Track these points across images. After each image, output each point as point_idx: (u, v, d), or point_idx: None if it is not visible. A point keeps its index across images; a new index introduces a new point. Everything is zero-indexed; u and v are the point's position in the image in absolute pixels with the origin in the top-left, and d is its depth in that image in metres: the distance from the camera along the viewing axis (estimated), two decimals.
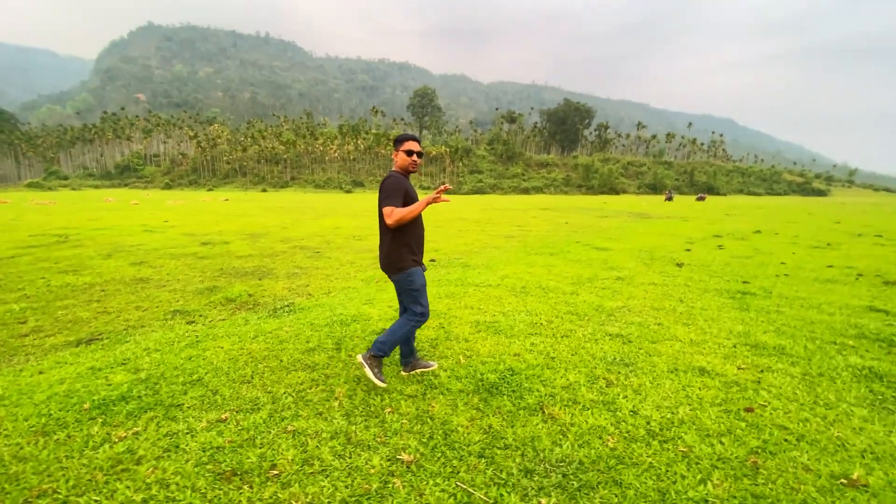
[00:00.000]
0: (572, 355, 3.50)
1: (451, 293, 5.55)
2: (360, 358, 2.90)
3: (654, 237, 12.20)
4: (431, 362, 3.29)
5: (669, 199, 48.03)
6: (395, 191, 2.71)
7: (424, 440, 2.37)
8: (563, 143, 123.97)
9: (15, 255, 8.57)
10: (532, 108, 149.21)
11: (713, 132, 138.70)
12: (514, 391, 2.88)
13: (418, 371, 3.18)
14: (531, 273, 6.80)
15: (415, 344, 3.28)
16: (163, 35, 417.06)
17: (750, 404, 2.71)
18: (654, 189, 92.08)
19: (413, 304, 2.90)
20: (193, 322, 4.67)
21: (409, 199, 2.76)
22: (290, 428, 2.49)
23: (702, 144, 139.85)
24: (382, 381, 2.87)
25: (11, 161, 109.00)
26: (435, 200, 2.73)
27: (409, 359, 3.19)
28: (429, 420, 2.55)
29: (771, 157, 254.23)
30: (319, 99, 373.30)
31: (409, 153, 2.82)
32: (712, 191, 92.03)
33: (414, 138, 2.87)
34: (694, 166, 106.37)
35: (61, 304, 5.36)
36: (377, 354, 2.86)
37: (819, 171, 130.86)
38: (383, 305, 4.94)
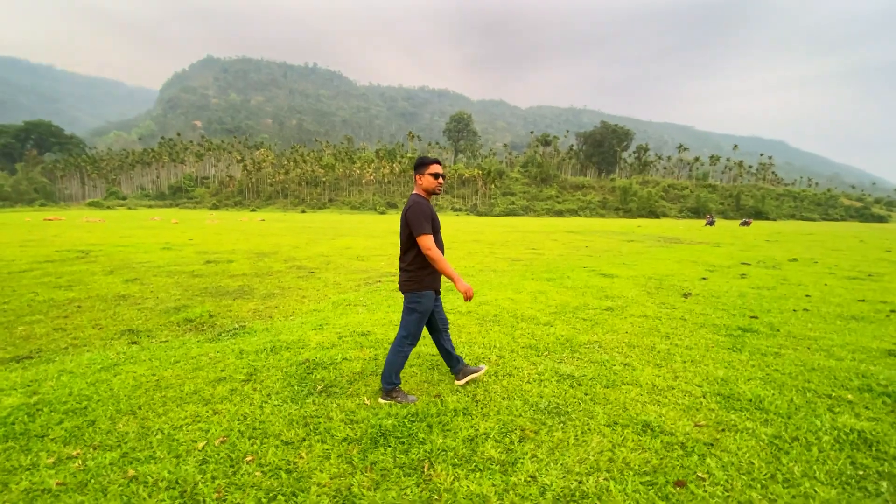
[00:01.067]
0: (503, 399, 3.04)
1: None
2: (381, 401, 2.96)
3: (672, 263, 11.35)
4: (481, 366, 3.37)
5: (710, 223, 45.74)
6: (426, 217, 2.80)
7: (266, 500, 2.00)
8: (599, 165, 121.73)
9: (28, 270, 8.93)
10: (567, 131, 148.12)
11: (762, 154, 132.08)
12: (403, 442, 2.46)
13: (469, 378, 3.26)
14: (514, 300, 6.32)
15: (454, 351, 3.28)
16: (220, 67, 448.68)
17: (686, 476, 2.17)
18: (697, 213, 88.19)
19: (411, 324, 2.95)
20: (136, 343, 4.53)
21: (434, 223, 2.87)
22: (130, 473, 2.19)
23: (750, 167, 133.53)
24: (413, 399, 2.96)
25: (77, 182, 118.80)
26: (467, 296, 2.86)
27: (458, 366, 3.25)
28: (284, 475, 2.18)
29: (827, 180, 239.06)
30: (361, 125, 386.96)
31: (436, 176, 2.92)
32: (761, 216, 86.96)
33: (437, 161, 2.96)
34: (741, 190, 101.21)
35: (29, 319, 5.39)
36: (388, 389, 2.96)
37: (879, 196, 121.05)
38: (331, 331, 4.63)
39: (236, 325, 5.08)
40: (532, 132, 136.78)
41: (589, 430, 2.63)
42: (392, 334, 4.56)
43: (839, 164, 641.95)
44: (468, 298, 2.85)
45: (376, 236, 20.78)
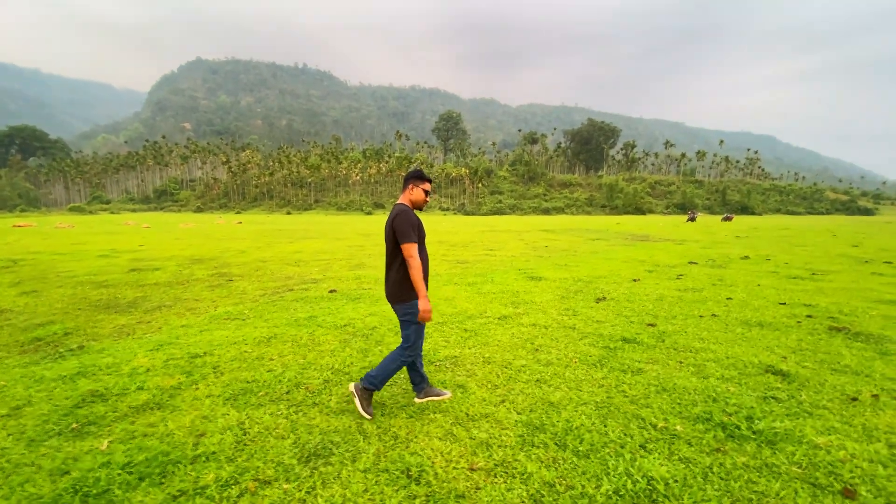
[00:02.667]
0: (272, 438, 2.63)
1: (260, 337, 4.75)
2: (352, 387, 2.98)
3: (617, 263, 11.01)
4: (445, 391, 3.28)
5: (692, 219, 45.71)
6: (411, 227, 2.84)
7: None
8: (587, 163, 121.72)
9: None
10: (555, 129, 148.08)
11: (748, 149, 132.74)
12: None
13: (429, 399, 3.18)
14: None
15: (423, 371, 3.24)
16: (209, 68, 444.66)
17: None
18: (683, 209, 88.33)
19: (413, 333, 2.95)
20: None
21: (419, 232, 2.92)
22: None
23: (737, 162, 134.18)
24: (370, 415, 2.91)
25: (62, 186, 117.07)
26: (420, 305, 2.81)
27: (422, 385, 3.20)
28: None
29: (816, 174, 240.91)
30: (353, 125, 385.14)
31: (427, 193, 3.06)
32: (746, 210, 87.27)
33: (430, 179, 3.09)
34: (727, 185, 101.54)
35: None
36: (368, 388, 2.94)
37: (867, 189, 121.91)
38: (163, 353, 4.19)
39: (77, 346, 4.63)
40: (520, 130, 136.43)
41: (339, 477, 2.23)
42: (241, 350, 4.16)
43: (829, 159, 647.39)
44: (422, 320, 2.83)
45: (341, 239, 20.31)
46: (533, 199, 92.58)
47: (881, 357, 3.97)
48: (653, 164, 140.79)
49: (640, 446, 2.53)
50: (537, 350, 4.25)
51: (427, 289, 2.93)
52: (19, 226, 33.57)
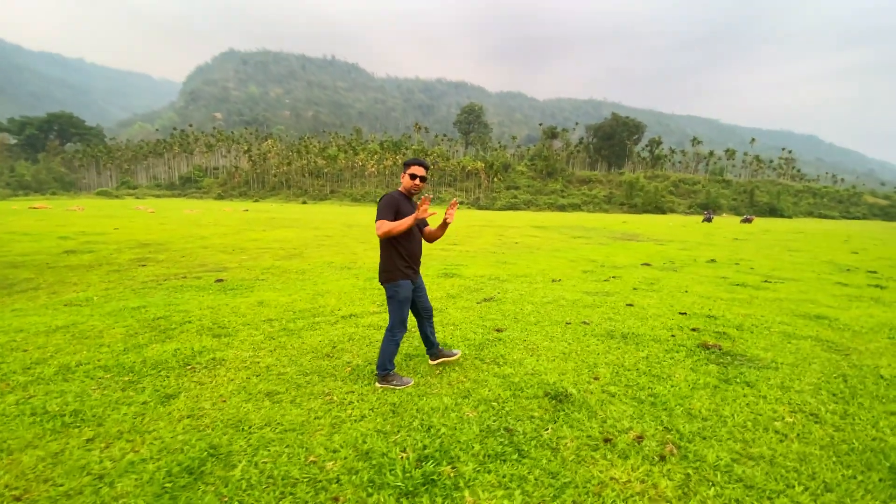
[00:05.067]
0: None
1: (56, 326, 4.38)
2: (377, 385, 3.13)
3: (561, 262, 10.34)
4: (455, 351, 3.65)
5: (708, 220, 43.71)
6: (388, 207, 2.98)
7: None
8: (609, 159, 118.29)
9: None
10: (577, 123, 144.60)
11: (783, 148, 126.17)
12: None
13: (442, 360, 3.54)
14: (283, 298, 5.47)
15: (434, 339, 3.52)
16: (241, 59, 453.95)
17: None
18: (707, 209, 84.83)
19: (394, 313, 3.14)
20: None
21: (400, 215, 3.01)
22: None
23: (771, 162, 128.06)
24: (408, 382, 3.16)
25: (94, 171, 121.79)
26: (420, 216, 2.92)
27: (433, 350, 3.53)
28: None
29: (860, 177, 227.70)
30: (378, 117, 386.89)
31: (413, 177, 3.12)
32: (775, 213, 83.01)
33: (420, 163, 3.15)
34: (755, 185, 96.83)
35: None
36: (383, 374, 3.14)
37: None
38: None
39: None
40: (541, 124, 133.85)
41: None
42: (24, 337, 3.81)
43: (875, 161, 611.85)
44: (421, 213, 2.91)
45: (319, 229, 20.08)
46: (549, 195, 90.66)
47: (705, 388, 3.28)
48: (680, 162, 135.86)
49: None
50: (329, 356, 3.73)
51: (417, 272, 3.25)
52: (35, 208, 34.84)
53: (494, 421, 2.65)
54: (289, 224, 22.61)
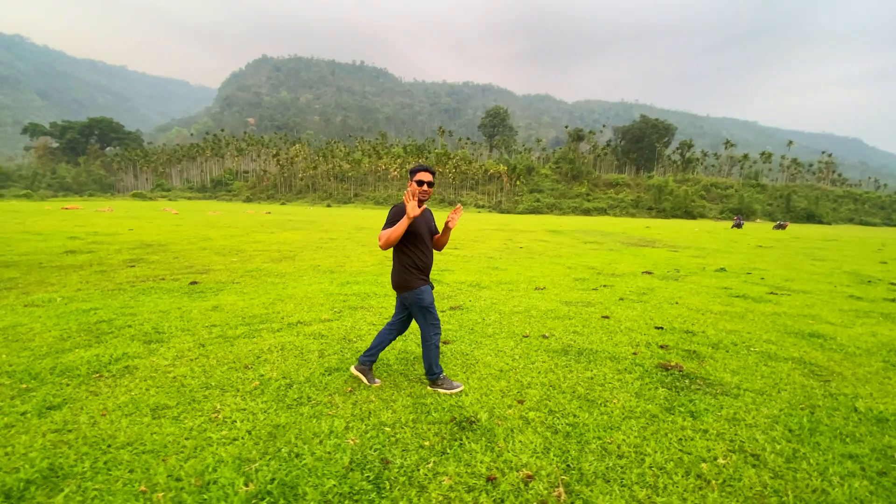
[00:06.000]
0: None
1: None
2: (430, 388, 3.17)
3: (558, 269, 9.88)
4: (376, 380, 3.32)
5: (738, 225, 41.86)
6: (394, 218, 2.99)
7: None
8: (638, 162, 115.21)
9: None
10: (604, 126, 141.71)
11: (823, 152, 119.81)
12: None
13: (360, 377, 3.29)
14: (242, 302, 5.36)
15: (382, 350, 3.38)
16: (273, 66, 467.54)
17: None
18: (741, 214, 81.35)
19: (425, 319, 3.12)
20: None
21: (411, 226, 3.00)
22: None
23: (810, 166, 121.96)
24: (458, 386, 3.18)
25: (132, 174, 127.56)
26: (411, 215, 2.87)
27: (368, 363, 3.29)
28: None
29: None
30: (405, 122, 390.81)
31: (420, 183, 3.05)
32: (813, 219, 78.72)
33: (426, 169, 3.10)
34: (792, 190, 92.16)
35: None
36: (433, 379, 3.19)
37: None
38: None
39: None
40: (566, 126, 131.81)
41: None
42: None
43: None
44: (407, 200, 2.91)
45: (327, 231, 20.16)
46: (574, 199, 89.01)
47: (639, 418, 2.89)
48: (713, 166, 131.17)
49: None
50: (248, 367, 3.53)
51: (427, 278, 3.17)
52: (66, 208, 36.57)
53: (375, 450, 2.37)
54: (301, 226, 22.83)
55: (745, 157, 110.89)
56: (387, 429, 2.60)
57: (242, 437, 2.49)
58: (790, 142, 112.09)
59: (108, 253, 10.49)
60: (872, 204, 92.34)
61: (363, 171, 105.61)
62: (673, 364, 3.79)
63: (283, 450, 2.36)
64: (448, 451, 2.39)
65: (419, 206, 3.01)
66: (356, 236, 17.79)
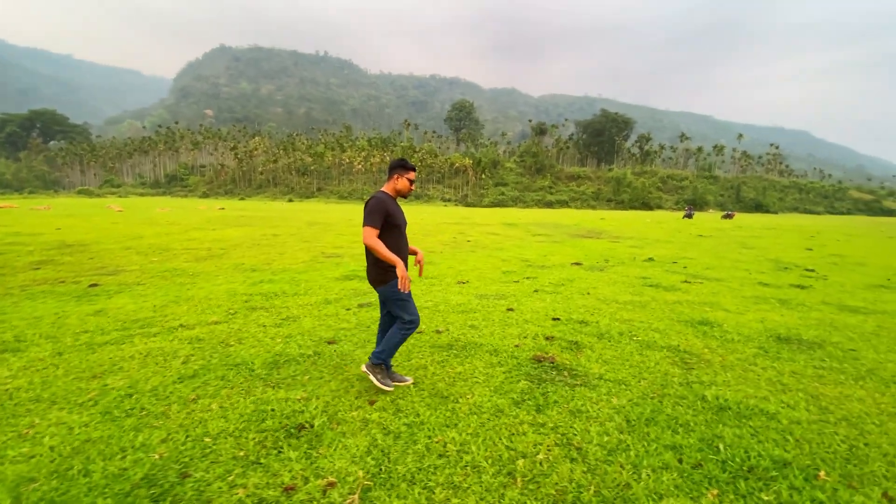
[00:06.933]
0: None
1: None
2: (364, 368, 3.13)
3: (492, 261, 9.93)
4: (407, 378, 3.30)
5: (689, 216, 43.63)
6: (377, 212, 2.88)
7: None
8: (599, 155, 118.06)
9: None
10: (566, 120, 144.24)
11: (771, 144, 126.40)
12: None
13: (370, 376, 3.15)
14: (133, 305, 5.03)
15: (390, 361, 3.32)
16: (232, 56, 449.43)
17: None
18: (694, 205, 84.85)
19: (401, 312, 3.02)
20: None
21: (390, 217, 2.95)
22: None
23: (759, 158, 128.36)
24: (389, 386, 3.06)
25: (78, 170, 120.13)
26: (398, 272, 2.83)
27: (377, 361, 3.16)
28: None
29: (849, 172, 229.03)
30: (371, 114, 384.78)
31: (412, 182, 3.11)
32: (761, 208, 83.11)
33: (413, 167, 3.13)
34: (742, 181, 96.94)
35: None
36: (376, 363, 3.07)
37: (893, 189, 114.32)
38: None
39: None
40: (530, 120, 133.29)
41: None
42: None
43: (866, 156, 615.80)
44: (402, 288, 2.83)
45: (278, 227, 19.56)
46: (538, 192, 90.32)
47: (483, 415, 2.88)
48: (670, 158, 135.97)
49: None
50: (96, 377, 3.29)
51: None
52: (1, 207, 34.11)
53: (180, 464, 2.23)
54: (249, 223, 22.06)
55: (700, 149, 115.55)
56: (207, 440, 2.46)
57: (41, 454, 2.29)
58: (740, 135, 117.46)
59: (19, 254, 9.74)
60: (816, 193, 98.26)
61: (326, 165, 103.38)
62: (548, 356, 3.81)
63: (75, 467, 2.18)
64: (262, 460, 2.28)
65: (395, 199, 3.10)
66: (304, 232, 17.34)
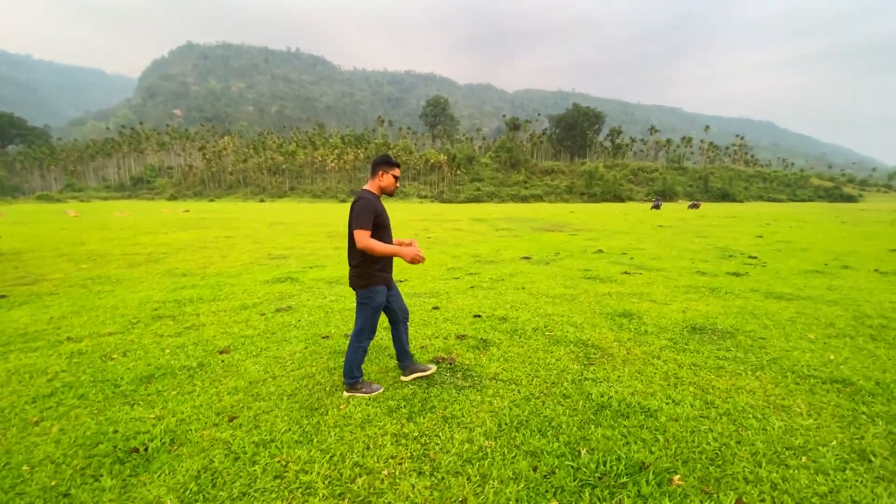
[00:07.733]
0: None
1: None
2: (345, 394, 2.99)
3: (443, 258, 9.89)
4: (429, 366, 3.33)
5: (656, 207, 44.44)
6: (366, 214, 2.81)
7: None
8: (572, 149, 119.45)
9: None
10: (539, 114, 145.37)
11: (736, 135, 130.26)
12: None
13: (416, 376, 3.23)
14: (27, 318, 4.66)
15: (408, 347, 3.29)
16: (200, 53, 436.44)
17: None
18: (664, 196, 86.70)
19: (364, 320, 2.96)
20: None
21: (379, 219, 2.88)
22: None
23: (726, 148, 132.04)
24: (377, 389, 3.03)
25: (38, 174, 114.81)
26: (418, 259, 2.83)
27: (406, 362, 3.26)
28: None
29: (812, 160, 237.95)
30: (346, 111, 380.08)
31: (397, 178, 3.04)
32: (727, 197, 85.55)
33: (399, 164, 3.05)
34: (710, 171, 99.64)
35: None
36: (351, 382, 3.01)
37: (853, 175, 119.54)
38: None
39: None
40: (504, 116, 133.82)
41: None
42: None
43: (827, 145, 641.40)
44: (416, 261, 2.83)
45: (235, 229, 18.98)
46: (512, 187, 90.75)
47: (349, 426, 2.71)
48: (641, 151, 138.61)
49: None
50: None
51: (391, 276, 3.07)
52: None
53: (60, 482, 1.99)
54: (207, 225, 21.39)
55: (669, 142, 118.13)
56: (25, 468, 2.22)
57: None
58: (707, 126, 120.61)
59: None
60: (780, 182, 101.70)
61: (299, 164, 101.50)
62: (448, 357, 3.67)
63: None
64: (72, 491, 2.05)
65: (379, 196, 3.02)
66: (260, 234, 16.86)
